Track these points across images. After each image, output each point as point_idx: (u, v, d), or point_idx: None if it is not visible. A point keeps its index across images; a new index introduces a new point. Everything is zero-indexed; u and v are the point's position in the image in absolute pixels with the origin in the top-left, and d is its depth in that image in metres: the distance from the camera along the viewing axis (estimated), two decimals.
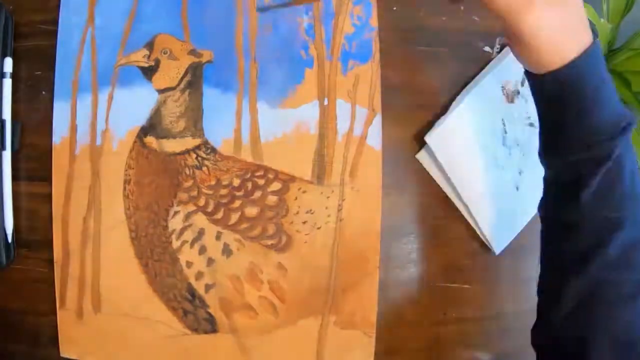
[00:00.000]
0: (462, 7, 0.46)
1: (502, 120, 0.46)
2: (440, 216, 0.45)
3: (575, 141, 0.32)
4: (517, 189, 0.47)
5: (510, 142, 0.47)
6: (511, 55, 0.36)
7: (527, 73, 0.34)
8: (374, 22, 0.45)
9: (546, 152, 0.35)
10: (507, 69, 0.46)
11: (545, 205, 0.36)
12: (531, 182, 0.46)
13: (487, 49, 0.47)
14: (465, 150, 0.45)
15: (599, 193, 0.31)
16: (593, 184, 0.31)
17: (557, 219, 0.34)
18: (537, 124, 0.36)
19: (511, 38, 0.32)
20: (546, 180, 0.36)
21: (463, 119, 0.45)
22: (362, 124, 0.44)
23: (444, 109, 0.45)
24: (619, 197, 0.31)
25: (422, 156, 0.45)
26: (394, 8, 0.46)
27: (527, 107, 0.47)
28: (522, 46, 0.31)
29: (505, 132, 0.46)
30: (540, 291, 0.36)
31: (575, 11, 0.31)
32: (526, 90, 0.47)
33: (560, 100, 0.32)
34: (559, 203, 0.34)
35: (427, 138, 0.43)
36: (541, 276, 0.36)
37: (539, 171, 0.36)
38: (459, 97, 0.45)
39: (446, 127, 0.43)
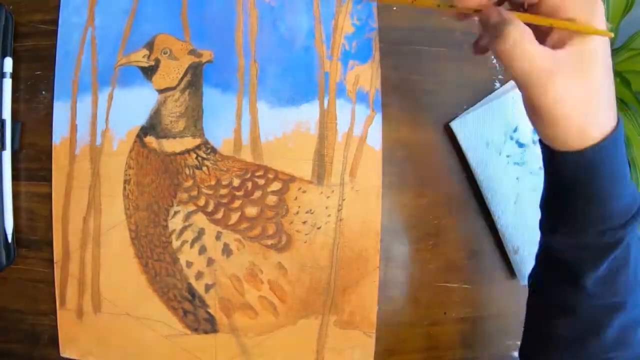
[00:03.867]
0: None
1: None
2: (440, 216, 0.45)
3: (586, 225, 0.29)
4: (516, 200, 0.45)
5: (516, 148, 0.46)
6: None
7: (542, 142, 0.30)
8: (374, 22, 0.45)
9: (549, 226, 0.31)
10: None
11: (539, 279, 0.33)
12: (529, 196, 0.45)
13: None
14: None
15: (603, 279, 0.29)
16: (599, 269, 0.28)
17: (552, 297, 0.31)
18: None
19: (530, 110, 0.28)
20: (543, 250, 0.32)
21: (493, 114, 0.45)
22: (362, 124, 0.44)
23: (444, 109, 0.45)
24: (623, 283, 0.29)
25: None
26: (394, 8, 0.46)
27: None
28: (540, 120, 0.27)
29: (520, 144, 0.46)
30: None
31: (605, 86, 0.27)
32: None
33: (575, 183, 0.28)
34: (557, 282, 0.31)
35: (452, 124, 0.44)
36: (525, 346, 0.34)
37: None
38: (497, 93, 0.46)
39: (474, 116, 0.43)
